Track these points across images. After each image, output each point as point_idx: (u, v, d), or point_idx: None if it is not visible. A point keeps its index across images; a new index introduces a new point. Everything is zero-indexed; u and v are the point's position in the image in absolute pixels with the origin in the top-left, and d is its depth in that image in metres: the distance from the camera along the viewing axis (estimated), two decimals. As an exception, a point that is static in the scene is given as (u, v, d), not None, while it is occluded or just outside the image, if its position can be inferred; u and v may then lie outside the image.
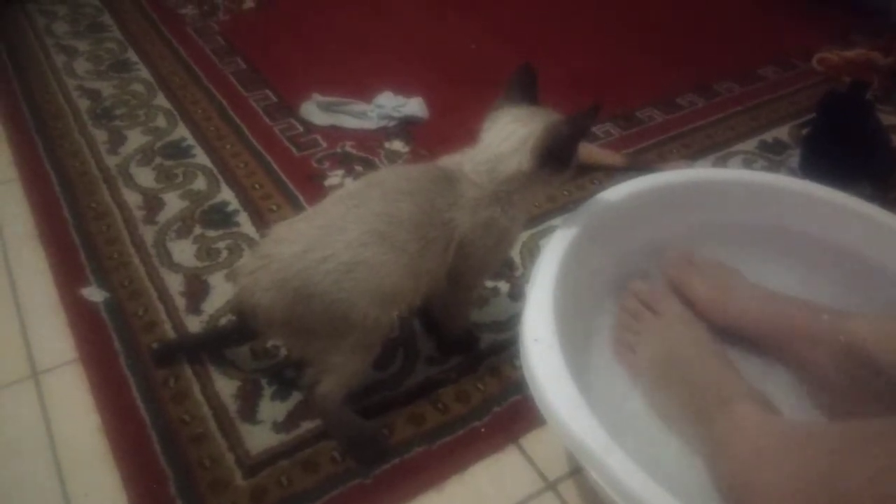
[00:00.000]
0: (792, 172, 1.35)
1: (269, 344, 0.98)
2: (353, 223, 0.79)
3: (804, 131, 1.42)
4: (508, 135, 0.84)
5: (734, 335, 0.91)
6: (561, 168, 0.84)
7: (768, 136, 1.48)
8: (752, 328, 0.89)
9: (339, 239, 0.78)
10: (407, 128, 1.47)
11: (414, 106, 1.49)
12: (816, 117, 1.37)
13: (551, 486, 0.84)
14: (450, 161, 0.88)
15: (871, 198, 1.02)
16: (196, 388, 0.93)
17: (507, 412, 0.91)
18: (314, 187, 1.29)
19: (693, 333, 0.86)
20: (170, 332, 1.01)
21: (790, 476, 0.61)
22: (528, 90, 0.91)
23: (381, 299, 0.79)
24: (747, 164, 1.40)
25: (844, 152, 1.27)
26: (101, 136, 1.45)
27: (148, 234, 1.18)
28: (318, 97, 1.51)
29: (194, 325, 1.02)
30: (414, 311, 1.01)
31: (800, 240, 1.00)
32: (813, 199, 1.01)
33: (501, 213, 0.84)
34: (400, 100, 1.51)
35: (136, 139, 1.43)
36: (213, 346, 0.98)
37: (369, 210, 0.80)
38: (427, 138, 1.44)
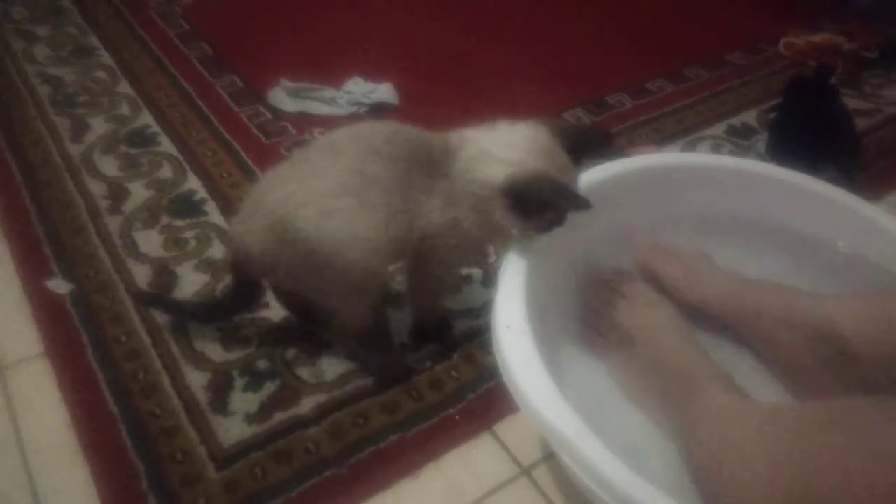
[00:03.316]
0: (759, 156, 1.36)
1: (240, 334, 0.98)
2: (330, 173, 0.80)
3: (771, 116, 1.44)
4: (511, 144, 0.81)
5: (704, 319, 0.92)
6: (522, 218, 0.80)
7: (736, 121, 1.49)
8: (722, 311, 0.90)
9: (317, 186, 0.79)
10: (377, 114, 1.45)
11: (384, 92, 1.48)
12: (783, 102, 1.38)
13: (525, 471, 0.85)
14: (451, 138, 0.85)
15: (837, 180, 1.03)
16: (166, 381, 0.92)
17: (481, 399, 0.92)
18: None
19: (663, 318, 0.87)
20: (138, 324, 1.00)
21: (758, 457, 0.62)
22: (583, 144, 0.85)
23: (362, 246, 0.80)
24: (715, 148, 1.41)
25: (810, 136, 1.28)
26: (63, 123, 1.41)
27: (113, 224, 1.16)
28: (286, 83, 1.49)
29: (163, 317, 1.00)
30: (390, 296, 1.01)
31: (767, 223, 1.01)
32: (780, 183, 1.02)
33: (471, 218, 0.82)
34: (370, 86, 1.49)
35: (99, 127, 1.40)
36: (210, 316, 0.98)
37: (346, 163, 0.80)
38: (398, 124, 1.42)
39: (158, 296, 1.03)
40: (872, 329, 0.76)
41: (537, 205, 0.79)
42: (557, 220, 0.81)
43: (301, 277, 0.84)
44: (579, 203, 0.77)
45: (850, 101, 1.47)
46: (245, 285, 0.92)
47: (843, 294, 0.85)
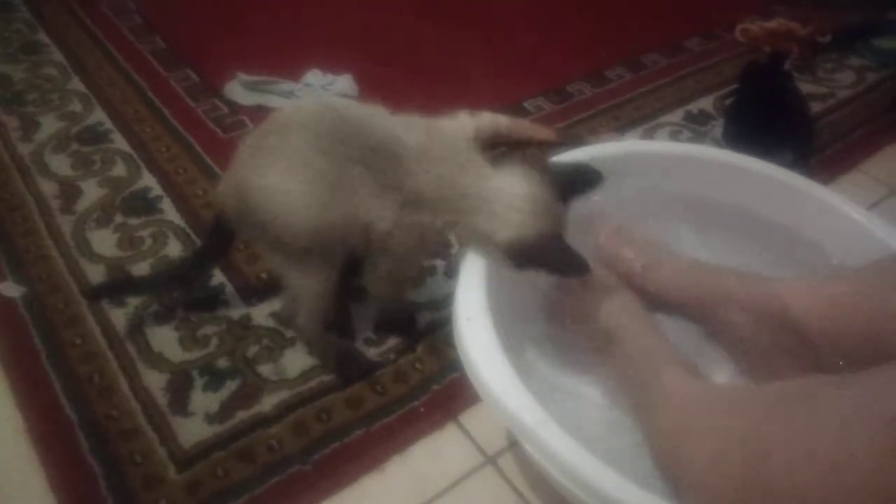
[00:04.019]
0: (716, 142, 1.38)
1: (199, 333, 0.97)
2: (287, 152, 0.82)
3: (727, 101, 1.45)
4: (512, 200, 0.79)
5: (662, 304, 0.93)
6: (516, 264, 0.79)
7: (693, 108, 1.51)
8: (679, 296, 0.90)
9: (274, 162, 0.82)
10: (337, 106, 1.44)
11: (343, 84, 1.47)
12: (738, 87, 1.40)
13: (491, 460, 0.85)
14: (411, 140, 0.83)
15: (792, 165, 1.05)
16: (123, 383, 0.90)
17: (445, 390, 0.92)
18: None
19: (622, 304, 0.88)
20: (93, 325, 0.97)
21: (713, 438, 0.63)
22: (573, 184, 0.84)
23: (310, 226, 0.82)
24: (673, 135, 1.42)
25: (765, 121, 1.30)
26: (12, 122, 1.37)
27: (66, 224, 1.13)
28: (242, 76, 1.46)
29: (119, 318, 0.98)
30: (352, 291, 1.01)
31: (724, 209, 1.02)
32: (735, 168, 1.03)
33: (438, 228, 0.82)
34: (328, 77, 1.48)
35: (50, 125, 1.37)
36: (176, 281, 1.01)
37: (302, 146, 0.82)
38: (357, 117, 1.41)
39: (113, 282, 1.04)
40: (825, 310, 0.77)
41: (537, 264, 0.79)
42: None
43: (266, 241, 0.87)
44: (578, 269, 0.78)
45: (805, 86, 1.50)
46: (220, 235, 0.94)
47: (797, 277, 0.86)
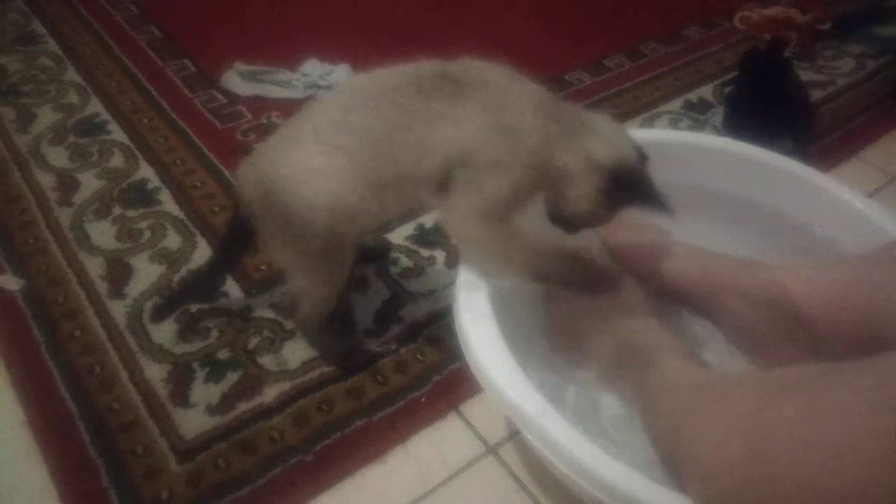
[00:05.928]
0: (716, 131, 1.38)
1: (199, 325, 0.97)
2: (313, 131, 0.78)
3: (727, 90, 1.45)
4: (615, 126, 0.81)
5: (665, 291, 0.92)
6: (601, 203, 0.79)
7: (693, 96, 1.50)
8: (680, 284, 0.90)
9: (297, 146, 0.78)
10: (335, 96, 1.43)
11: (341, 73, 1.46)
12: (738, 75, 1.39)
13: (492, 449, 0.85)
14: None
15: (792, 153, 1.04)
16: (124, 375, 0.90)
17: (446, 380, 0.92)
18: (240, 161, 1.24)
19: (622, 293, 0.87)
20: (92, 318, 0.97)
21: (713, 425, 0.62)
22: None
23: (334, 212, 0.77)
24: (673, 123, 1.42)
25: (765, 109, 1.30)
26: (8, 114, 1.37)
27: (64, 216, 1.13)
28: (240, 66, 1.46)
29: (118, 310, 0.98)
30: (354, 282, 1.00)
31: (724, 197, 1.02)
32: (735, 156, 1.03)
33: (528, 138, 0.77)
34: (326, 67, 1.47)
35: (46, 117, 1.36)
36: (208, 286, 0.98)
37: (330, 118, 0.78)
38: (356, 107, 1.40)
39: (164, 305, 0.96)
40: (825, 297, 0.76)
41: (628, 195, 0.78)
42: (605, 217, 0.82)
43: (280, 235, 0.82)
44: (664, 205, 0.78)
45: (804, 73, 1.50)
46: (241, 227, 0.87)
47: (797, 264, 0.86)
